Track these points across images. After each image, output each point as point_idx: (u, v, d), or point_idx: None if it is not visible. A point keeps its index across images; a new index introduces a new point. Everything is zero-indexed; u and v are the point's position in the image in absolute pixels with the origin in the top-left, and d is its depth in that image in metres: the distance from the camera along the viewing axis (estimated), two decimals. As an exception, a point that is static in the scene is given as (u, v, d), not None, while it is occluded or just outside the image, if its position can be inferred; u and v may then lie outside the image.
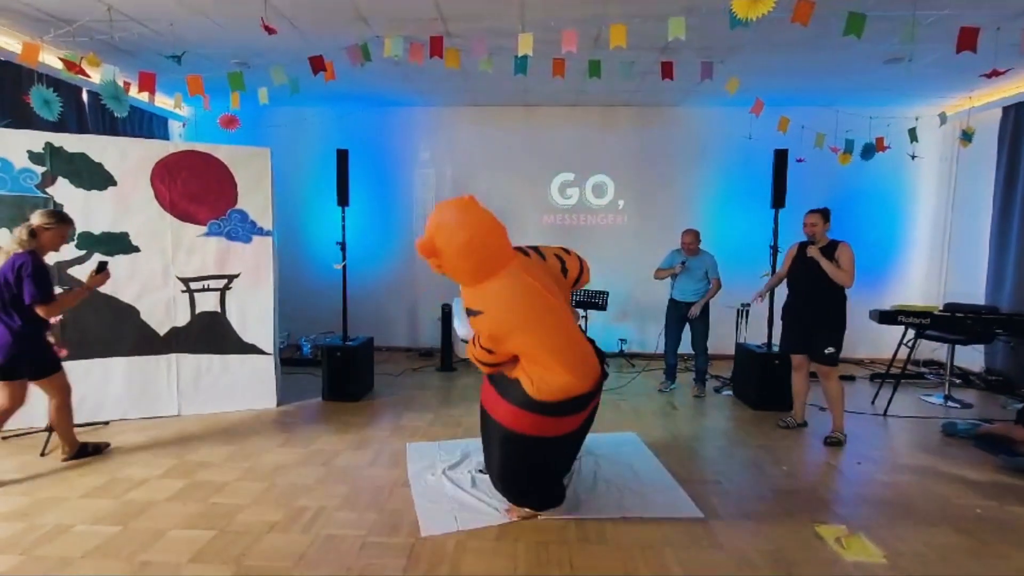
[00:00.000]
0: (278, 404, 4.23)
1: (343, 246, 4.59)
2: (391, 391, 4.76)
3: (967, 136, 4.48)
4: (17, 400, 2.95)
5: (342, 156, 4.55)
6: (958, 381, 5.05)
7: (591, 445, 3.30)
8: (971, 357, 5.32)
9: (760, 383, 4.31)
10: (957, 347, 4.64)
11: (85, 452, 3.23)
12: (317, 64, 3.71)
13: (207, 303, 4.03)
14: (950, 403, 4.52)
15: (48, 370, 2.99)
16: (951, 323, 4.34)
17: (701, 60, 3.94)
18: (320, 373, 4.48)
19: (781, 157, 4.44)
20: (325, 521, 2.51)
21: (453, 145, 6.12)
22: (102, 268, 3.19)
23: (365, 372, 4.68)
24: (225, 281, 4.06)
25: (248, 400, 4.16)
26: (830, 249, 3.59)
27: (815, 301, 3.63)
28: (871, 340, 5.77)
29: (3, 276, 2.80)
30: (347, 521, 2.50)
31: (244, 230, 4.08)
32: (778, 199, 4.44)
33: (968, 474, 3.15)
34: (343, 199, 4.56)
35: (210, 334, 4.04)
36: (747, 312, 5.19)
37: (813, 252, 3.60)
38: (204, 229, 3.99)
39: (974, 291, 5.29)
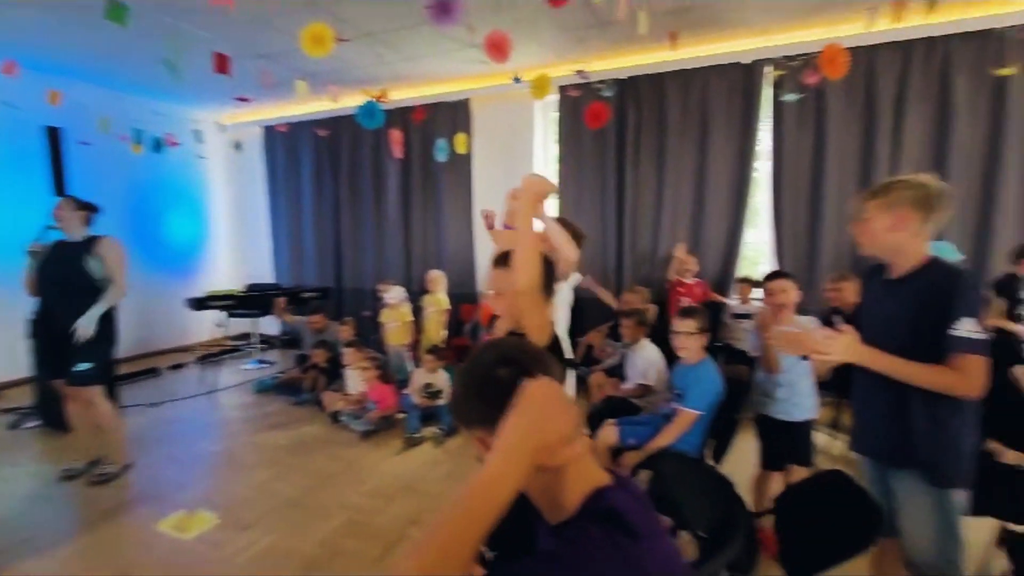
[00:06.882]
0: None
1: None
2: None
3: (238, 146, 5.36)
4: None
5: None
6: (265, 345, 6.16)
7: None
8: (271, 324, 6.56)
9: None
10: (260, 319, 5.65)
11: None
12: None
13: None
14: (261, 364, 5.47)
15: None
16: (252, 300, 5.23)
17: None
18: None
19: (56, 136, 3.80)
20: None
21: None
22: None
23: None
24: None
25: None
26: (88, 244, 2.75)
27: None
28: (193, 328, 6.06)
29: None
30: None
31: None
32: (59, 185, 3.81)
33: (279, 418, 3.94)
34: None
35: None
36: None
37: None
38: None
39: (267, 272, 6.52)
